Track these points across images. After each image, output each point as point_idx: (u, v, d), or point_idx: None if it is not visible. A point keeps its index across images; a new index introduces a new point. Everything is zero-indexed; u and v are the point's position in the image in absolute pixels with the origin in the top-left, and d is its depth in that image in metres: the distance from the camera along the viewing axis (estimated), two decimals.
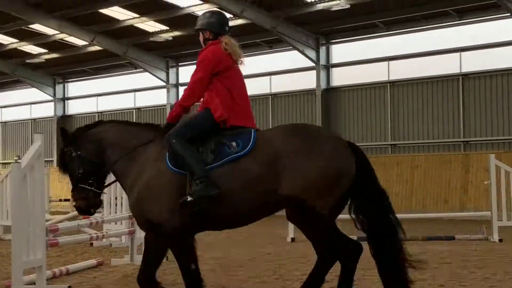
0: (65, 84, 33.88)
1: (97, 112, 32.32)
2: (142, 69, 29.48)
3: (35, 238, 7.48)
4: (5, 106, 36.82)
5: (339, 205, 6.02)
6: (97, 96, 32.64)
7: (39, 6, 25.07)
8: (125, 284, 8.29)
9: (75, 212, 14.27)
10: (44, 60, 31.10)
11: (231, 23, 8.00)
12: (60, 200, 25.76)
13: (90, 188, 6.66)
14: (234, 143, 6.04)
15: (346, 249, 5.99)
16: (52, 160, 32.75)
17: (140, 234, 10.46)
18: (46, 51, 30.32)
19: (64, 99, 33.85)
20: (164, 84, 29.38)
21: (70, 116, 33.56)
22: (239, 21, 23.30)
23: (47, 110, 34.35)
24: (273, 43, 25.91)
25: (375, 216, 6.00)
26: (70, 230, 10.18)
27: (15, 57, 31.36)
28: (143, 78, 30.51)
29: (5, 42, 29.61)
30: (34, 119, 35.18)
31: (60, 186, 30.98)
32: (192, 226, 6.12)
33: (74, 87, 33.74)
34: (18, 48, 30.01)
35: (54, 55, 30.44)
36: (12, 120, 36.32)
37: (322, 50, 24.86)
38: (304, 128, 6.38)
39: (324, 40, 24.90)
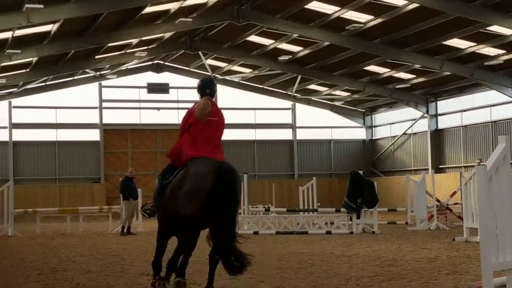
0: None
1: None
2: None
3: (503, 240, 7.44)
4: (465, 110, 37.37)
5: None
6: None
7: (496, 7, 24.91)
8: None
9: None
10: (502, 61, 30.75)
11: None
12: None
13: None
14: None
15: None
16: None
17: None
18: (504, 52, 29.94)
19: None
20: None
21: None
22: None
23: (508, 112, 33.83)
24: None
25: None
26: None
27: (473, 61, 31.67)
28: None
29: (463, 46, 30.11)
30: (494, 122, 34.98)
31: None
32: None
33: None
34: (476, 51, 30.25)
35: None
36: (473, 124, 36.65)
37: None
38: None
39: None
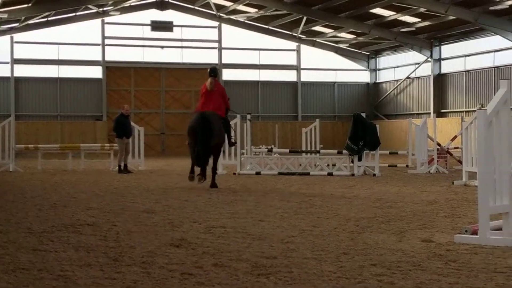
0: None
1: None
2: None
3: (501, 184, 7.52)
4: (468, 55, 37.15)
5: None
6: None
7: None
8: None
9: None
10: (507, 6, 30.41)
11: None
12: None
13: None
14: None
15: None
16: None
17: None
18: None
19: None
20: None
21: None
22: None
23: (510, 57, 33.63)
24: None
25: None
26: None
27: (478, 5, 31.34)
28: None
29: None
30: (497, 67, 34.81)
31: None
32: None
33: None
34: None
35: None
36: (475, 69, 36.48)
37: None
38: None
39: None
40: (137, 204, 11.84)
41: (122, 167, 21.58)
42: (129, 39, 40.58)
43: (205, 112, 14.76)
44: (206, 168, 15.01)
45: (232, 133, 17.93)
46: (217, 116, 14.96)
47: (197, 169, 15.10)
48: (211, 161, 15.42)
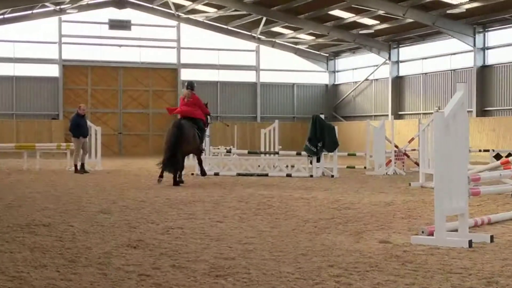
0: (485, 34, 33.22)
1: None
2: None
3: (457, 186, 7.60)
4: (426, 58, 37.60)
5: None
6: None
7: None
8: None
9: (496, 163, 14.11)
10: (464, 10, 30.89)
11: None
12: (480, 151, 25.61)
13: None
14: None
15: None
16: (472, 111, 32.60)
17: None
18: (467, 0, 30.05)
19: (484, 48, 33.26)
20: None
21: (490, 66, 32.89)
22: None
23: (467, 61, 34.16)
24: None
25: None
26: (492, 180, 10.09)
27: (436, 8, 31.75)
28: None
29: None
30: (454, 70, 35.31)
31: (479, 136, 30.75)
32: None
33: (495, 36, 32.88)
34: None
35: (475, 4, 30.03)
36: (433, 71, 36.95)
37: None
38: None
39: None
40: (94, 205, 11.70)
41: (78, 167, 21.31)
42: (87, 38, 40.13)
43: (180, 122, 16.46)
44: (175, 173, 16.38)
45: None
46: (190, 124, 16.63)
47: (169, 174, 16.47)
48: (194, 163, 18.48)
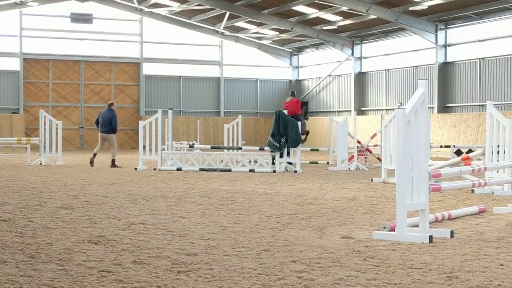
0: (447, 31, 33.61)
1: (479, 59, 31.53)
2: None
3: (418, 182, 7.68)
4: (388, 54, 37.89)
5: None
6: (480, 42, 31.79)
7: None
8: (509, 233, 8.09)
9: (457, 159, 14.28)
10: (426, 7, 31.19)
11: None
12: (441, 147, 25.93)
13: None
14: None
15: None
16: (433, 107, 32.98)
17: None
18: None
19: (446, 45, 33.65)
20: None
21: (451, 63, 33.29)
22: None
23: (429, 58, 34.52)
24: None
25: None
26: (452, 176, 10.21)
27: (399, 5, 32.01)
28: None
29: None
30: (416, 66, 35.66)
31: (441, 132, 31.12)
32: None
33: (456, 34, 33.29)
34: None
35: (437, 2, 30.33)
36: (395, 68, 37.26)
37: None
38: None
39: None
40: (55, 200, 11.56)
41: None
42: (48, 31, 39.61)
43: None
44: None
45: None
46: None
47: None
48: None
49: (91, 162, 21.62)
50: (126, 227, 8.43)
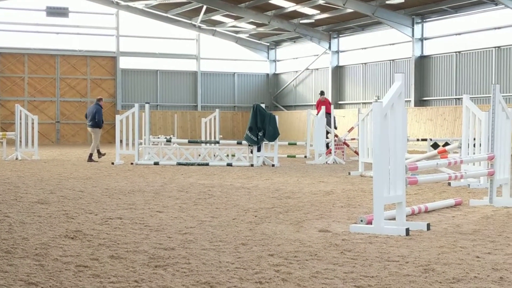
0: (423, 24, 33.78)
1: (455, 52, 31.74)
2: (502, 6, 28.10)
3: (395, 176, 7.71)
4: (365, 48, 38.01)
5: None
6: (456, 35, 31.99)
7: None
8: (484, 226, 8.16)
9: (434, 152, 14.38)
10: (403, 1, 31.30)
11: None
12: (418, 140, 26.08)
13: None
14: None
15: None
16: (410, 100, 33.15)
17: (500, 176, 10.16)
18: None
19: (422, 39, 33.83)
20: None
21: (428, 56, 33.48)
22: None
23: (405, 51, 34.67)
24: None
25: None
26: (429, 169, 10.27)
27: None
28: (503, 15, 29.09)
29: None
30: (393, 60, 35.81)
31: (417, 126, 31.31)
32: None
33: (432, 27, 33.47)
34: None
35: None
36: (372, 61, 37.39)
37: None
38: None
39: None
40: (31, 195, 11.47)
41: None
42: (23, 25, 39.22)
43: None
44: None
45: None
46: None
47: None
48: None
49: (100, 154, 21.95)
50: (103, 222, 8.39)
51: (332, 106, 24.63)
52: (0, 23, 38.65)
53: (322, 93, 27.87)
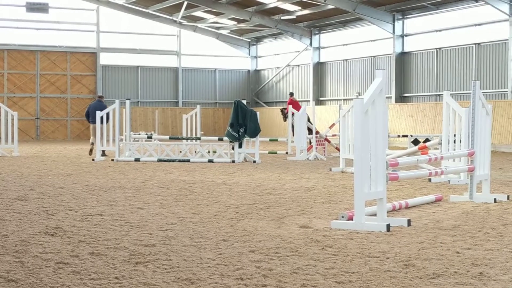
0: (404, 21, 33.91)
1: (436, 49, 31.89)
2: (483, 2, 28.27)
3: (376, 172, 7.74)
4: (346, 44, 38.08)
5: None
6: (436, 32, 32.13)
7: None
8: (464, 221, 8.20)
9: (414, 148, 14.44)
10: None
11: None
12: (399, 136, 26.19)
13: None
14: None
15: None
16: (391, 97, 33.28)
17: (480, 172, 10.22)
18: None
19: (403, 35, 33.96)
20: (506, 17, 27.86)
21: (409, 53, 33.62)
22: None
23: (386, 48, 34.79)
24: None
25: None
26: (409, 165, 10.32)
27: None
28: (483, 12, 29.27)
29: None
30: (374, 56, 35.91)
31: (398, 122, 31.44)
32: None
33: (413, 24, 33.60)
34: None
35: None
36: (353, 58, 37.48)
37: None
38: None
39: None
40: (10, 192, 11.38)
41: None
42: (3, 20, 38.88)
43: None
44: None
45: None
46: None
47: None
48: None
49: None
50: (83, 219, 8.34)
51: (304, 106, 24.96)
52: None
53: (291, 94, 30.73)
